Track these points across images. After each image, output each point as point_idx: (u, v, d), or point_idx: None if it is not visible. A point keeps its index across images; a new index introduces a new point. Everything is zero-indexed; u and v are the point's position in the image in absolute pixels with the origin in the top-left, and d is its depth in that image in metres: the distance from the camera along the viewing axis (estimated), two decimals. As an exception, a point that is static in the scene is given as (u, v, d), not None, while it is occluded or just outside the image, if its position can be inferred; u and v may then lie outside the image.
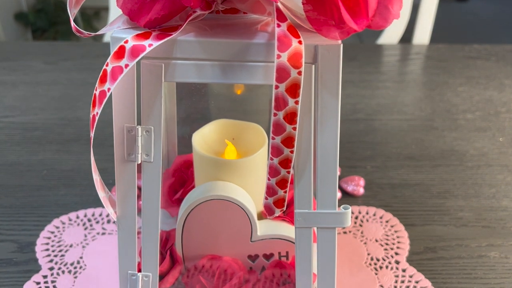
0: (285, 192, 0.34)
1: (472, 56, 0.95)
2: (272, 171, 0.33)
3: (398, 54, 0.98)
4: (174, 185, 0.51)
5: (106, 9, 1.18)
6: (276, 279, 0.44)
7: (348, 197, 0.60)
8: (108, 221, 0.56)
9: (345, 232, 0.55)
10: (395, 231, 0.55)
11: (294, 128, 0.31)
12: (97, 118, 0.30)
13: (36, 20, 2.47)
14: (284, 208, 0.35)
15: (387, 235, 0.55)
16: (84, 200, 0.59)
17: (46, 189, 0.61)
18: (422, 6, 1.01)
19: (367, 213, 0.58)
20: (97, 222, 0.56)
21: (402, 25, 1.03)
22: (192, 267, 0.44)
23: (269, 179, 0.34)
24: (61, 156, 0.67)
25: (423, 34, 1.02)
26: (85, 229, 0.55)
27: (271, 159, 0.33)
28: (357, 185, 0.61)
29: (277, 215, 0.35)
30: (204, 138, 0.46)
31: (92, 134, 0.31)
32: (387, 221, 0.57)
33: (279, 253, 0.44)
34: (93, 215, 0.57)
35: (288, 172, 0.33)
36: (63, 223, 0.56)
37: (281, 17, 0.29)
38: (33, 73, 0.87)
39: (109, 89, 0.29)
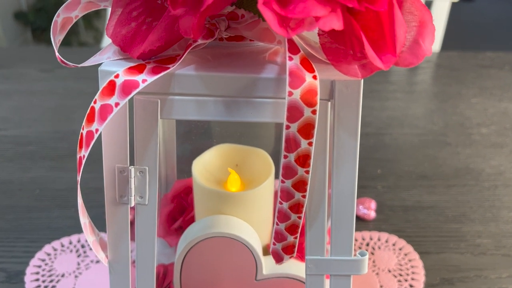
0: (295, 238, 0.31)
1: (485, 64, 0.91)
2: (281, 216, 0.30)
3: (407, 62, 0.94)
4: (173, 212, 0.48)
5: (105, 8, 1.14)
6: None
7: (358, 221, 0.56)
8: (103, 248, 0.52)
9: (355, 261, 0.51)
10: (409, 260, 0.52)
11: (307, 172, 0.27)
12: (84, 161, 0.27)
13: (36, 19, 2.43)
14: (294, 255, 0.32)
15: (401, 265, 0.51)
16: (78, 223, 0.55)
17: (38, 211, 0.57)
18: (432, 12, 0.97)
19: (378, 240, 0.54)
20: (91, 249, 0.52)
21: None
22: (191, 307, 0.40)
23: (277, 224, 0.30)
24: (55, 173, 0.63)
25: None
26: (78, 256, 0.52)
27: (280, 203, 0.29)
28: (369, 209, 0.57)
29: (286, 262, 0.32)
30: (205, 165, 0.43)
31: (78, 178, 0.27)
32: (400, 249, 0.53)
33: (287, 292, 0.40)
34: (86, 240, 0.53)
35: (300, 218, 0.30)
36: (55, 250, 0.52)
37: (293, 48, 0.26)
38: (28, 82, 0.83)
39: (97, 130, 0.25)
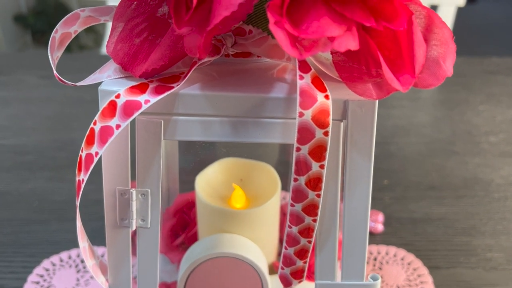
0: (305, 262, 0.29)
1: (491, 70, 0.90)
2: (291, 240, 0.28)
3: (412, 67, 0.93)
4: (175, 227, 0.46)
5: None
6: None
7: (365, 235, 0.55)
8: (103, 263, 0.51)
9: (363, 277, 0.50)
10: (418, 275, 0.50)
11: (318, 195, 0.26)
12: (83, 184, 0.25)
13: (35, 22, 2.42)
14: (303, 279, 0.30)
15: (410, 280, 0.50)
16: (77, 237, 0.54)
17: (36, 224, 0.56)
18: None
19: (386, 254, 0.53)
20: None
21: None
22: (195, 329, 0.39)
23: (286, 248, 0.29)
24: (54, 184, 0.62)
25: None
26: (78, 272, 0.50)
27: (290, 227, 0.28)
28: (376, 221, 0.55)
29: (295, 287, 0.30)
30: (208, 181, 0.41)
31: (77, 202, 0.26)
32: (409, 264, 0.51)
33: (294, 314, 0.39)
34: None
35: (310, 242, 0.28)
36: (54, 265, 0.51)
37: (304, 66, 0.24)
38: (27, 89, 0.82)
39: (97, 153, 0.24)
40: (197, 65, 0.25)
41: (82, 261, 0.51)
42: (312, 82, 0.24)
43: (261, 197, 0.41)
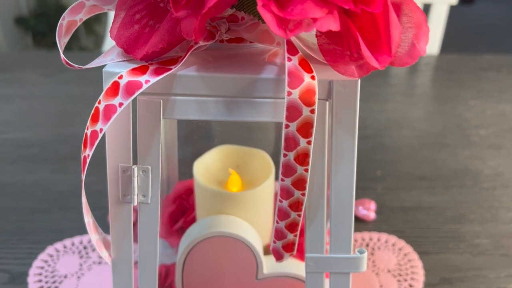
0: (295, 236, 0.31)
1: (483, 67, 0.92)
2: (281, 214, 0.30)
3: (406, 64, 0.95)
4: (174, 213, 0.48)
5: (106, 13, 1.15)
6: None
7: (358, 222, 0.57)
8: (105, 249, 0.53)
9: (355, 262, 0.52)
10: (409, 260, 0.52)
11: (306, 170, 0.28)
12: (88, 160, 0.27)
13: (36, 24, 2.45)
14: (294, 252, 0.32)
15: (400, 265, 0.52)
16: (80, 225, 0.56)
17: (40, 213, 0.58)
18: (431, 16, 0.98)
19: (378, 240, 0.55)
20: (94, 250, 0.53)
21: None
22: (193, 306, 0.41)
23: (277, 222, 0.31)
24: (57, 175, 0.64)
25: (432, 44, 0.99)
26: (81, 257, 0.52)
27: (280, 201, 0.30)
28: (368, 210, 0.58)
29: (286, 259, 0.32)
30: (206, 166, 0.43)
31: (83, 177, 0.28)
32: (399, 249, 0.53)
33: (287, 292, 0.41)
34: (89, 241, 0.54)
35: (299, 216, 0.30)
36: (58, 251, 0.53)
37: (292, 49, 0.26)
38: (30, 86, 0.84)
39: (101, 129, 0.26)
40: (193, 49, 0.27)
41: (85, 248, 0.53)
42: (299, 64, 0.26)
43: (256, 182, 0.43)
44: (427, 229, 0.56)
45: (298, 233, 0.31)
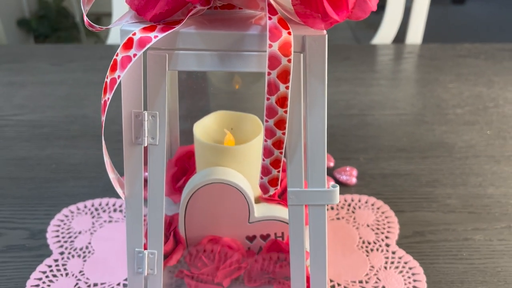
0: (278, 171, 0.37)
1: (462, 54, 0.99)
2: (267, 152, 0.36)
3: (391, 53, 1.01)
4: (176, 174, 0.55)
5: (107, 15, 1.21)
6: (272, 259, 0.47)
7: (341, 187, 0.63)
8: (115, 210, 0.59)
9: (338, 218, 0.58)
10: (386, 217, 0.58)
11: (285, 112, 0.34)
12: (108, 103, 0.33)
13: (38, 26, 2.51)
14: (278, 187, 0.38)
15: (378, 221, 0.58)
16: (91, 191, 0.62)
17: (55, 181, 0.64)
18: (414, 8, 1.05)
19: (359, 201, 0.61)
20: (104, 211, 0.59)
21: (395, 26, 1.07)
22: (194, 247, 0.47)
23: (263, 160, 0.37)
24: (69, 150, 0.70)
25: (415, 35, 1.06)
26: (93, 217, 0.58)
27: (265, 140, 0.36)
28: (350, 175, 0.64)
29: (272, 193, 0.38)
30: (204, 128, 0.49)
31: (103, 118, 0.34)
32: (378, 208, 0.60)
33: (275, 233, 0.47)
34: (100, 204, 0.60)
35: (281, 153, 0.36)
36: (72, 212, 0.59)
37: (272, 11, 0.33)
38: (40, 74, 0.90)
39: (119, 76, 0.32)
40: (192, 12, 0.33)
41: (96, 209, 0.59)
42: (278, 22, 0.32)
43: (248, 141, 0.49)
44: (403, 191, 0.63)
45: (280, 169, 0.37)
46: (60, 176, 0.65)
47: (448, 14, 2.88)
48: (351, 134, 0.74)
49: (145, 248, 0.42)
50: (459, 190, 0.63)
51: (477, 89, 0.86)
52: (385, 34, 1.07)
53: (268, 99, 0.34)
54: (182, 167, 0.55)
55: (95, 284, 0.49)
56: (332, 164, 0.67)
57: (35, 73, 0.91)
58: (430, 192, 0.63)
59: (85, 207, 0.60)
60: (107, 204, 0.60)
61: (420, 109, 0.81)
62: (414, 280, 0.50)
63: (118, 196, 0.61)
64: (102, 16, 2.60)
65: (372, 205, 0.60)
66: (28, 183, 0.64)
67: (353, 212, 0.59)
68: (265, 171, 0.37)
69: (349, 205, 0.60)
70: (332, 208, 0.60)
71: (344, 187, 0.63)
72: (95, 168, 0.66)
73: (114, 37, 1.09)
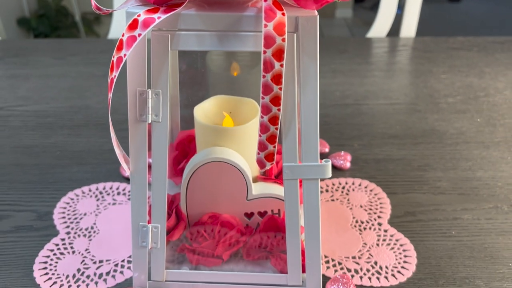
0: (274, 147, 0.40)
1: (455, 47, 1.01)
2: (263, 128, 0.39)
3: (386, 46, 1.04)
4: (177, 157, 0.57)
5: (106, 14, 1.24)
6: (270, 234, 0.49)
7: (336, 171, 0.66)
8: (118, 193, 0.62)
9: (333, 200, 0.61)
10: (378, 198, 0.61)
11: (280, 89, 0.37)
12: (115, 80, 0.36)
13: (38, 25, 2.53)
14: (274, 162, 0.41)
15: (371, 202, 0.60)
16: (95, 176, 0.64)
17: (60, 167, 0.66)
18: (407, 2, 1.07)
19: (353, 184, 0.63)
20: (108, 194, 0.61)
21: (390, 20, 1.09)
22: (195, 223, 0.49)
23: (260, 136, 0.39)
24: (73, 139, 0.72)
25: (409, 28, 1.09)
26: (97, 200, 0.61)
27: (262, 117, 0.38)
28: (345, 160, 0.66)
29: (268, 168, 0.41)
30: (204, 111, 0.52)
31: (110, 95, 0.37)
32: (371, 190, 0.62)
33: (272, 210, 0.49)
34: (104, 188, 0.62)
35: (276, 129, 0.39)
36: (77, 196, 0.61)
37: (267, -7, 0.35)
38: (43, 67, 0.93)
39: (125, 55, 0.35)
40: (193, -5, 0.36)
41: (101, 193, 0.62)
42: (273, 4, 0.35)
43: (245, 123, 0.51)
44: (395, 175, 0.65)
45: (276, 144, 0.40)
46: (64, 162, 0.67)
47: (443, 12, 2.91)
48: (346, 122, 0.76)
49: (149, 223, 0.44)
50: (449, 174, 0.65)
51: (468, 80, 0.89)
52: (380, 28, 1.10)
53: (264, 76, 0.36)
54: (183, 150, 0.57)
55: (101, 261, 0.52)
56: (327, 150, 0.69)
57: (38, 66, 0.93)
58: (421, 176, 0.65)
59: (90, 190, 0.62)
60: (111, 188, 0.62)
61: (413, 99, 0.83)
62: (405, 256, 0.52)
63: (121, 180, 0.63)
64: (101, 15, 2.63)
65: (366, 187, 0.63)
66: (34, 169, 0.66)
67: (347, 194, 0.62)
68: (261, 147, 0.40)
69: (343, 187, 0.63)
70: (326, 191, 0.62)
71: (339, 171, 0.66)
72: (98, 156, 0.68)
73: (115, 33, 1.11)
